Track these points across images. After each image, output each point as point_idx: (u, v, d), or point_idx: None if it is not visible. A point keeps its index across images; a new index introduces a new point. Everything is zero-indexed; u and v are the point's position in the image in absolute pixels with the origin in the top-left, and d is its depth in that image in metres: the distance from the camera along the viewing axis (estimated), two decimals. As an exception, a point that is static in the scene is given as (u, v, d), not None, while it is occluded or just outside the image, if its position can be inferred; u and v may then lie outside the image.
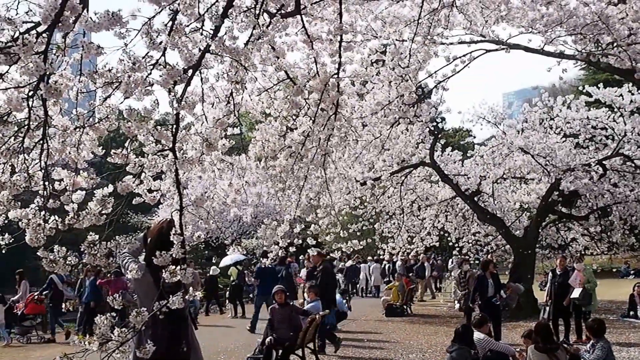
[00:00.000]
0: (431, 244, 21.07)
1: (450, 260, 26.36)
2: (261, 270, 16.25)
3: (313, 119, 6.10)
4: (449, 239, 21.68)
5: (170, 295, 3.41)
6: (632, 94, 16.21)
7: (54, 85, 3.11)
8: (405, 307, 19.49)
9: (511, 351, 9.57)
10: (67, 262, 3.36)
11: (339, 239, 11.78)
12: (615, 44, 8.31)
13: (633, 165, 17.18)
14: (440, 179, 18.66)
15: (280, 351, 10.36)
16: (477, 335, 9.28)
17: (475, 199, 18.77)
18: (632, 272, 31.41)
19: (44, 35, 3.06)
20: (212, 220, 5.19)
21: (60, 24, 3.01)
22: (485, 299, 13.07)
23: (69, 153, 3.61)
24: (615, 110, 16.88)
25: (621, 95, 16.49)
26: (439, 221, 20.62)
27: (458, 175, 18.73)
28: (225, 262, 25.12)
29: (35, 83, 3.12)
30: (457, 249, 21.59)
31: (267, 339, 10.42)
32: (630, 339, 13.06)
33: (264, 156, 6.84)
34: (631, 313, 16.45)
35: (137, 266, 4.17)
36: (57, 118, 3.49)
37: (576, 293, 12.85)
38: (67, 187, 3.65)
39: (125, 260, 4.62)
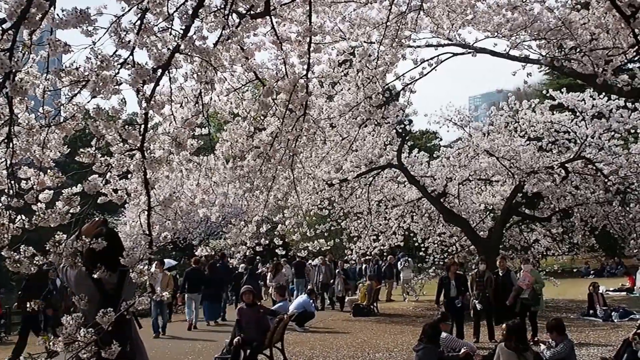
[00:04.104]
0: (396, 244, 21.20)
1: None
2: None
3: (281, 119, 6.10)
4: (414, 239, 21.86)
5: (111, 299, 3.37)
6: (594, 99, 16.60)
7: (19, 83, 3.07)
8: (372, 306, 19.62)
9: (471, 346, 9.90)
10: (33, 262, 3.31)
11: (305, 239, 11.81)
12: (577, 49, 8.48)
13: (594, 168, 17.58)
14: (407, 181, 18.82)
15: (248, 351, 10.35)
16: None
17: (442, 200, 18.98)
18: (592, 272, 32.06)
19: (10, 32, 3.02)
20: (179, 221, 5.15)
21: (26, 21, 2.97)
22: (447, 300, 13.29)
23: (34, 152, 3.56)
24: (578, 114, 17.26)
25: (583, 99, 16.87)
26: (404, 221, 20.79)
27: (425, 177, 18.94)
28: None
29: (0, 81, 3.07)
30: (423, 249, 21.80)
31: (235, 339, 10.40)
32: (589, 337, 13.36)
33: (232, 156, 6.83)
34: (590, 312, 16.83)
35: (77, 271, 4.14)
36: (22, 116, 3.43)
37: (525, 294, 12.99)
38: (34, 187, 3.60)
39: (63, 265, 4.57)
